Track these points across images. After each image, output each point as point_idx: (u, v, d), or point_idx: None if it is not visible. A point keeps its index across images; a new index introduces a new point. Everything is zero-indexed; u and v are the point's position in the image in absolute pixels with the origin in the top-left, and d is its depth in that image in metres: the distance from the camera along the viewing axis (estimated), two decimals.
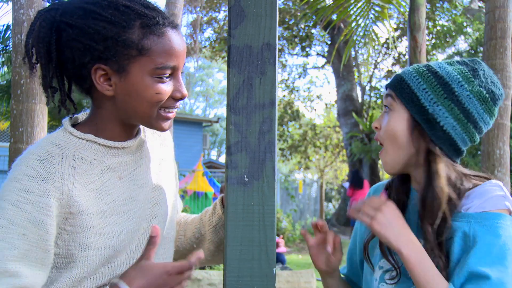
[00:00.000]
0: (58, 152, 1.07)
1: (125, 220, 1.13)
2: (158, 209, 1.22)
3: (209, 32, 15.99)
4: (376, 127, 1.21)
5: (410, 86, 1.17)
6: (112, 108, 1.13)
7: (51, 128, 7.22)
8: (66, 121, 1.15)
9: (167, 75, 1.09)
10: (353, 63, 15.79)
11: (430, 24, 13.05)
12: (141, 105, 1.09)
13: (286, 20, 14.62)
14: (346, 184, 11.84)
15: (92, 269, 1.09)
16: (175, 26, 1.12)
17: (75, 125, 1.18)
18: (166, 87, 1.09)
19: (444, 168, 1.16)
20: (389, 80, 1.25)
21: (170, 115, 1.14)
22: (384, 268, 1.23)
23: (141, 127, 1.26)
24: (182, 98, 1.14)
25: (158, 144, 1.32)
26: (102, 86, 1.09)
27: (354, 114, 14.88)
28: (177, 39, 1.11)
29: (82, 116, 1.21)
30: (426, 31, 7.77)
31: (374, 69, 16.75)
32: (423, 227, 1.14)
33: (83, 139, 1.11)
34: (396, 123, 1.17)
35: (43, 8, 1.12)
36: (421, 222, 1.15)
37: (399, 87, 1.18)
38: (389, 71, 16.38)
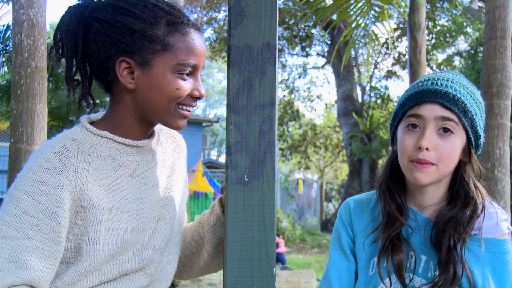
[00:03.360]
0: (75, 146, 1.10)
1: (133, 218, 1.15)
2: (166, 211, 1.23)
3: (209, 32, 15.98)
4: (427, 148, 1.17)
5: (470, 112, 1.19)
6: (131, 102, 1.16)
7: (51, 128, 7.22)
8: (83, 118, 1.19)
9: (187, 72, 1.13)
10: (353, 63, 15.78)
11: (430, 24, 13.05)
12: (160, 99, 1.12)
13: (286, 20, 14.61)
14: None
15: (98, 264, 1.09)
16: (198, 29, 1.18)
17: (92, 123, 1.20)
18: (186, 84, 1.13)
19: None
20: (437, 96, 1.19)
21: (186, 113, 1.17)
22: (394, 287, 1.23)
23: (156, 129, 1.29)
24: (199, 98, 1.17)
25: (171, 149, 1.34)
26: (125, 79, 1.12)
27: (354, 114, 14.88)
28: (199, 40, 1.16)
29: (98, 116, 1.24)
30: (426, 31, 7.77)
31: (374, 69, 16.74)
32: (461, 247, 1.17)
33: (99, 135, 1.15)
34: (457, 148, 1.19)
35: (73, 5, 1.17)
36: (461, 240, 1.17)
37: (463, 112, 1.18)
38: (389, 71, 16.37)
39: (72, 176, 1.06)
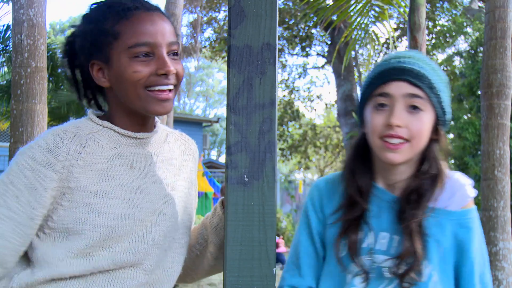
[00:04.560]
0: (73, 130, 1.16)
1: (129, 206, 1.16)
2: (167, 207, 1.24)
3: (209, 32, 15.96)
4: (399, 126, 1.17)
5: (436, 88, 1.20)
6: (114, 99, 1.22)
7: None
8: (90, 110, 1.26)
9: (144, 53, 1.14)
10: (353, 63, 15.78)
11: (430, 24, 13.04)
12: (127, 87, 1.16)
13: (286, 20, 14.61)
14: None
15: (86, 245, 1.11)
16: (149, 9, 1.18)
17: (98, 116, 1.27)
18: (144, 65, 1.14)
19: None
20: (406, 75, 1.20)
21: (161, 95, 1.16)
22: (353, 272, 1.22)
23: (165, 130, 1.33)
24: (167, 74, 1.15)
25: (181, 150, 1.37)
26: (99, 79, 1.19)
27: (354, 114, 14.86)
28: (149, 19, 1.16)
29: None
30: (426, 31, 7.77)
31: None
32: (417, 217, 1.17)
33: (100, 125, 1.21)
34: (427, 125, 1.20)
35: (69, 34, 1.27)
36: (417, 211, 1.18)
37: (429, 88, 1.19)
38: None
39: (61, 157, 1.11)
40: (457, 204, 1.20)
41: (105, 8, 1.19)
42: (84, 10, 1.25)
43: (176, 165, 1.32)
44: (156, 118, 1.32)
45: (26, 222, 1.11)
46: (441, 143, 1.24)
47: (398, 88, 1.18)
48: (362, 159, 1.28)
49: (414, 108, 1.18)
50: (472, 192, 1.23)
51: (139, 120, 1.23)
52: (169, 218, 1.24)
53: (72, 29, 1.25)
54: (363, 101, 1.27)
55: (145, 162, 1.23)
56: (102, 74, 1.19)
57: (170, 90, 1.18)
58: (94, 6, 1.22)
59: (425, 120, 1.19)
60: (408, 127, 1.17)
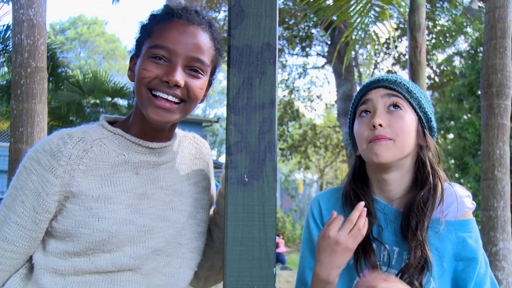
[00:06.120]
0: (79, 135, 1.15)
1: (131, 212, 1.16)
2: (172, 214, 1.24)
3: None
4: (381, 125, 1.21)
5: (414, 93, 1.27)
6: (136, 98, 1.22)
7: (51, 128, 7.23)
8: (102, 116, 1.25)
9: (161, 56, 1.14)
10: (353, 63, 15.77)
11: (430, 24, 13.04)
12: (136, 83, 1.17)
13: (286, 20, 14.61)
14: None
15: (85, 248, 1.12)
16: (191, 21, 1.17)
17: (114, 123, 1.27)
18: (155, 66, 1.14)
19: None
20: (384, 80, 1.29)
21: (158, 101, 1.14)
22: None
23: (179, 136, 1.32)
24: (168, 82, 1.13)
25: (191, 154, 1.36)
26: (129, 72, 1.23)
27: None
28: (182, 28, 1.16)
29: (120, 118, 1.30)
30: (426, 31, 7.77)
31: (374, 69, 16.74)
32: (420, 229, 1.17)
33: (111, 131, 1.20)
34: (409, 123, 1.24)
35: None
36: (420, 223, 1.18)
37: (407, 92, 1.26)
38: (389, 71, 16.37)
39: (63, 162, 1.11)
40: (454, 214, 1.21)
41: (161, 10, 1.22)
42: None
43: (185, 169, 1.31)
44: (176, 129, 1.31)
45: (31, 226, 1.12)
46: (430, 149, 1.26)
47: (377, 92, 1.27)
48: (360, 180, 1.32)
49: (394, 107, 1.24)
50: (470, 204, 1.24)
51: (153, 129, 1.21)
52: (173, 224, 1.24)
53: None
54: (351, 123, 1.34)
55: (152, 169, 1.22)
56: (133, 68, 1.23)
57: (172, 102, 1.15)
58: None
59: (407, 119, 1.23)
60: (391, 126, 1.22)
